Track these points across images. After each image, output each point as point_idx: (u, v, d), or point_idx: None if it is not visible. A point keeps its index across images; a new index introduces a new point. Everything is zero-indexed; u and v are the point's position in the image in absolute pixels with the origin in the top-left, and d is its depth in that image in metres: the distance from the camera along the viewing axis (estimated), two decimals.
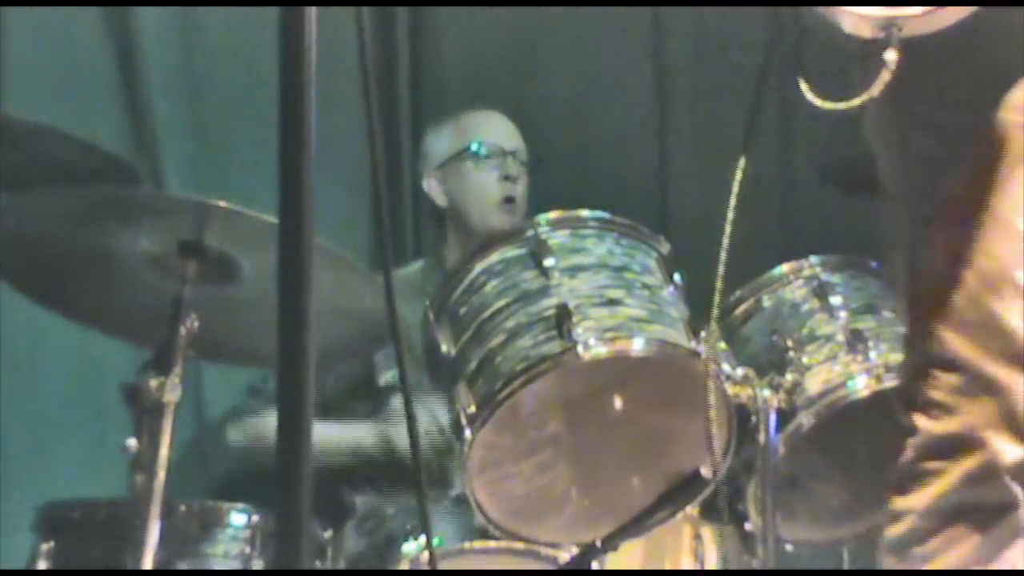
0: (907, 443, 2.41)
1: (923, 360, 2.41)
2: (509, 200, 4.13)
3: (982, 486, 2.34)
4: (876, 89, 2.32)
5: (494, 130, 4.22)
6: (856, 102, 2.35)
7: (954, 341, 2.36)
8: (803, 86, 2.40)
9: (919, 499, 2.38)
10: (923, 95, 2.43)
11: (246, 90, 4.29)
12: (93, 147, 3.35)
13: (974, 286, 2.36)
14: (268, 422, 3.94)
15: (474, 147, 4.18)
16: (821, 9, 2.36)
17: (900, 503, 2.41)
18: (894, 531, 2.41)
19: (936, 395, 2.38)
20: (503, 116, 4.27)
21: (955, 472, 2.35)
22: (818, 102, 2.37)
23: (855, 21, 2.34)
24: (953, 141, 2.42)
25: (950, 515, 2.36)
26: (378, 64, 4.69)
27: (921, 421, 2.39)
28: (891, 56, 2.29)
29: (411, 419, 2.11)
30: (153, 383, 2.88)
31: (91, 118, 4.13)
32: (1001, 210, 2.36)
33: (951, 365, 2.36)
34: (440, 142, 4.26)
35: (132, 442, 2.88)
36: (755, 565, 3.37)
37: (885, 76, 2.30)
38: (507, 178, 4.15)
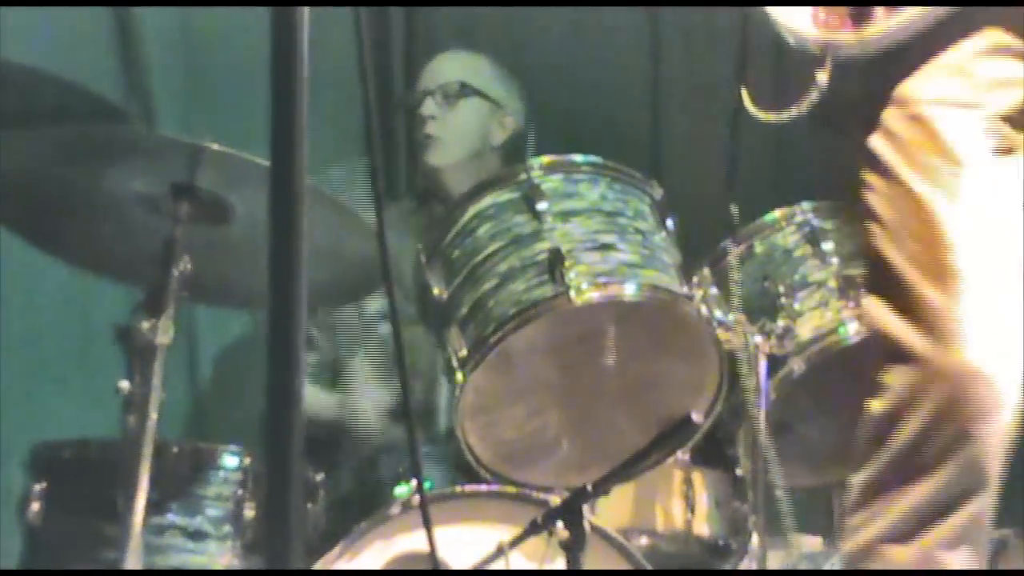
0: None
1: None
2: (426, 137, 4.19)
3: None
4: (804, 106, 2.41)
5: (424, 74, 4.27)
6: (785, 117, 2.45)
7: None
8: (744, 95, 2.48)
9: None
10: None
11: (238, 31, 4.26)
12: (81, 88, 3.33)
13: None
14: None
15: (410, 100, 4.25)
16: (773, 19, 2.43)
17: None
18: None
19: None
20: (447, 53, 4.32)
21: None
22: (754, 111, 2.46)
23: (796, 36, 2.42)
24: None
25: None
26: (371, 12, 4.68)
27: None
28: (822, 77, 2.37)
29: (401, 362, 2.10)
30: (145, 325, 2.88)
31: (83, 61, 4.11)
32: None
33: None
34: None
35: (124, 383, 2.88)
36: (745, 510, 3.38)
37: (813, 94, 2.39)
38: (421, 121, 4.17)
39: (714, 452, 3.49)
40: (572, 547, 2.87)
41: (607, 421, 3.27)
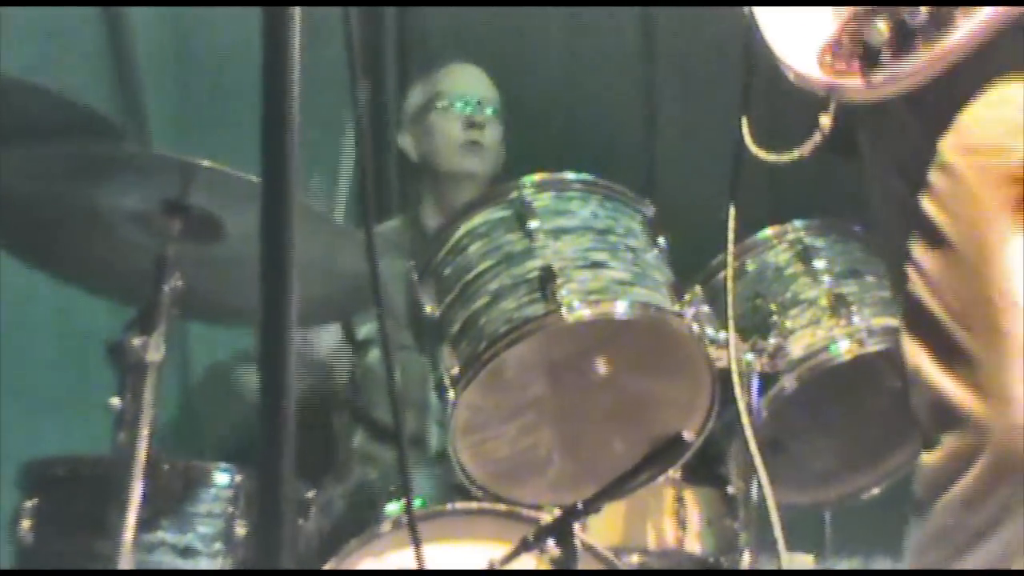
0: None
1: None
2: (472, 144, 4.13)
3: None
4: (807, 149, 2.37)
5: (459, 80, 4.24)
6: (786, 158, 2.41)
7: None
8: (745, 131, 2.45)
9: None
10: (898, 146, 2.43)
11: (231, 49, 4.27)
12: (73, 102, 3.33)
13: None
14: None
15: (439, 98, 4.19)
16: (776, 57, 2.41)
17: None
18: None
19: None
20: (473, 67, 4.29)
21: None
22: (754, 150, 2.43)
23: (800, 77, 2.39)
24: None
25: None
26: (364, 22, 4.68)
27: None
28: (825, 120, 2.34)
29: (391, 378, 2.10)
30: (137, 341, 2.88)
31: (75, 76, 4.12)
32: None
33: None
34: (412, 98, 4.31)
35: (116, 400, 2.88)
36: (737, 528, 3.38)
37: (816, 138, 2.35)
38: (472, 125, 4.14)
39: (706, 470, 3.49)
40: (563, 565, 2.87)
41: (599, 439, 3.27)
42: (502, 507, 3.22)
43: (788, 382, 3.30)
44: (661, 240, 3.20)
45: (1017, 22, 2.28)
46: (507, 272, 3.05)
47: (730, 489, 3.46)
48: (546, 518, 3.11)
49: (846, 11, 2.36)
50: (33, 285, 3.55)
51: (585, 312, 3.01)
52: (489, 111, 4.19)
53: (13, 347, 4.03)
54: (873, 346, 3.33)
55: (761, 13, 2.46)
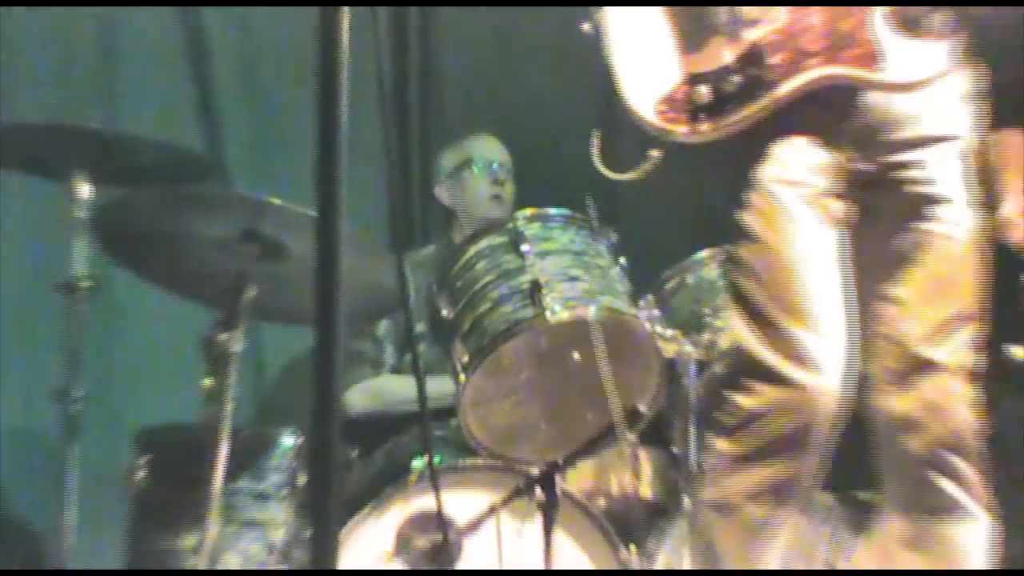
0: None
1: None
2: (496, 197, 4.20)
3: None
4: (640, 173, 2.41)
5: (486, 149, 4.29)
6: (626, 177, 2.45)
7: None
8: (595, 154, 2.48)
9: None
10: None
11: (297, 97, 4.27)
12: (176, 147, 3.37)
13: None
14: (385, 383, 3.93)
15: (472, 162, 4.24)
16: (624, 99, 2.43)
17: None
18: None
19: None
20: (493, 137, 4.33)
21: None
22: (602, 169, 2.47)
23: (639, 119, 2.42)
24: None
25: None
26: (392, 80, 4.71)
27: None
28: (654, 154, 2.38)
29: (416, 363, 2.11)
30: (223, 336, 2.89)
31: (168, 125, 4.13)
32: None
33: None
34: (446, 160, 4.36)
35: (207, 381, 2.89)
36: (678, 478, 3.38)
37: (647, 167, 2.39)
38: (495, 182, 4.20)
39: (655, 434, 3.50)
40: (547, 507, 2.88)
41: (575, 410, 3.27)
42: (501, 463, 3.23)
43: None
44: (622, 260, 3.21)
45: (807, 94, 2.34)
46: (505, 284, 3.05)
47: (674, 449, 3.47)
48: (534, 471, 3.12)
49: (682, 71, 2.41)
50: (146, 294, 3.55)
51: (564, 315, 3.01)
52: (507, 172, 4.26)
53: (130, 342, 4.05)
54: None
55: (619, 60, 2.49)
